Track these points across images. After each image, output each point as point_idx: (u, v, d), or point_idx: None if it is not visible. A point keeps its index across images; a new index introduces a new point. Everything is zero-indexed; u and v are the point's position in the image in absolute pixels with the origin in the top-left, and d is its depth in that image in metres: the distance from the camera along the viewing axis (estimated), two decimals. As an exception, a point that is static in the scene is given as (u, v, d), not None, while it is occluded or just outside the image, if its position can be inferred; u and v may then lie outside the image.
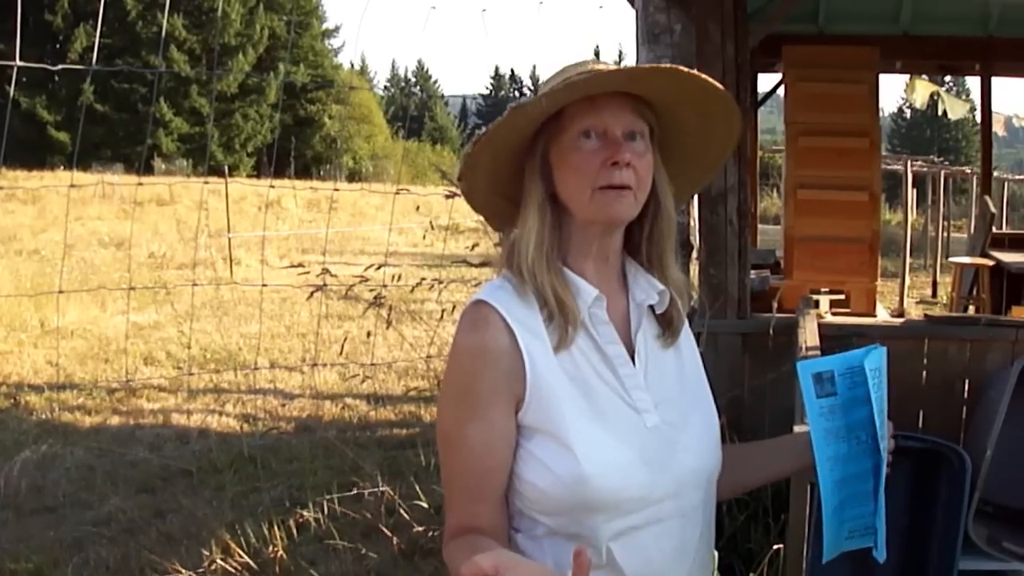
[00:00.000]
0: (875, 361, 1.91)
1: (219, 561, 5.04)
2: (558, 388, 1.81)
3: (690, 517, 1.91)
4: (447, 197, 4.99)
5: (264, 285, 7.59)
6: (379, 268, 5.54)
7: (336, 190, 10.14)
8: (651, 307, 1.97)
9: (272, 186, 10.55)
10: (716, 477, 1.99)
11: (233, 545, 5.18)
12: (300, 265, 5.91)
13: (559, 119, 1.84)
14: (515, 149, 1.88)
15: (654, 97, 1.88)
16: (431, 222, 5.84)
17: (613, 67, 1.84)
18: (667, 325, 1.99)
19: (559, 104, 1.82)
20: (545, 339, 1.82)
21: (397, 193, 6.44)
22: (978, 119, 11.71)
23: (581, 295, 1.86)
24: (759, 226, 11.36)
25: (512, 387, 1.80)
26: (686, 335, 2.05)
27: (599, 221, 1.86)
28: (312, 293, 5.69)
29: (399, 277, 5.83)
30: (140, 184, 8.45)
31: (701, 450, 1.93)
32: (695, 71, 1.85)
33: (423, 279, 5.56)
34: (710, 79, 1.88)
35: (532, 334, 1.82)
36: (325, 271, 5.48)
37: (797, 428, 3.31)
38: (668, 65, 1.84)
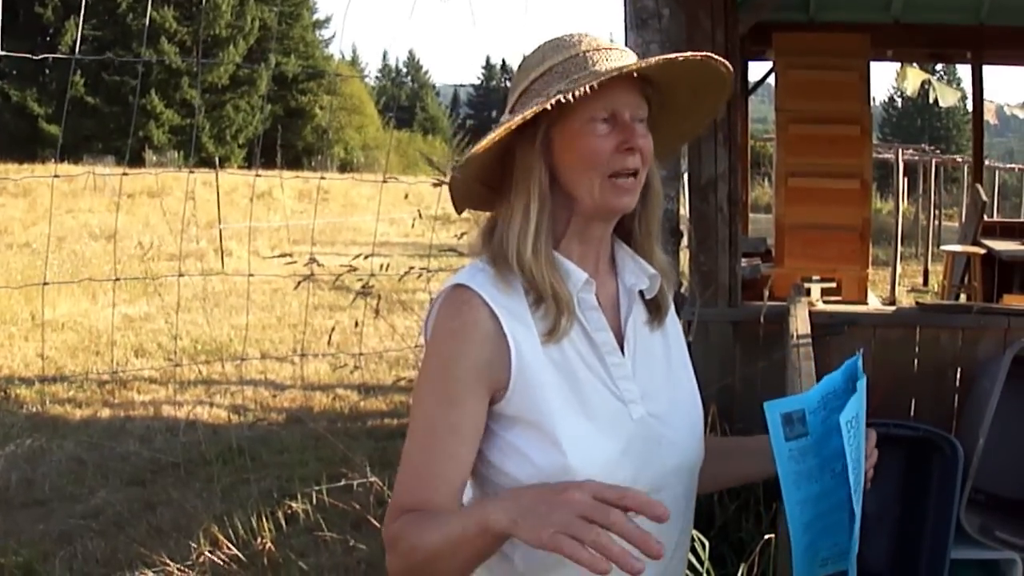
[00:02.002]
0: (852, 411, 1.76)
1: (207, 554, 5.01)
2: (544, 377, 1.74)
3: (670, 511, 1.85)
4: (435, 185, 4.95)
5: (250, 275, 7.55)
6: (366, 257, 5.51)
7: (322, 178, 10.11)
8: (640, 293, 1.92)
9: (258, 175, 10.46)
10: (698, 470, 1.95)
11: (221, 537, 5.15)
12: (287, 255, 5.88)
13: (564, 101, 1.74)
14: (510, 134, 1.80)
15: (659, 78, 1.82)
16: (419, 211, 5.79)
17: (639, 64, 1.78)
18: (656, 310, 1.94)
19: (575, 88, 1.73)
20: (531, 326, 1.76)
21: (384, 181, 6.41)
22: (969, 107, 11.67)
23: (571, 279, 1.79)
24: (750, 215, 11.32)
25: (492, 374, 1.73)
26: (672, 318, 2.00)
27: (605, 210, 1.80)
28: (299, 283, 5.66)
29: (387, 266, 5.80)
30: (125, 174, 8.31)
31: (684, 445, 1.88)
32: (709, 56, 1.80)
33: (411, 268, 5.53)
34: (722, 63, 1.83)
35: (517, 320, 1.75)
36: (312, 260, 5.44)
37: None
38: (702, 54, 1.78)
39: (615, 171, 1.76)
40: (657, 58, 1.75)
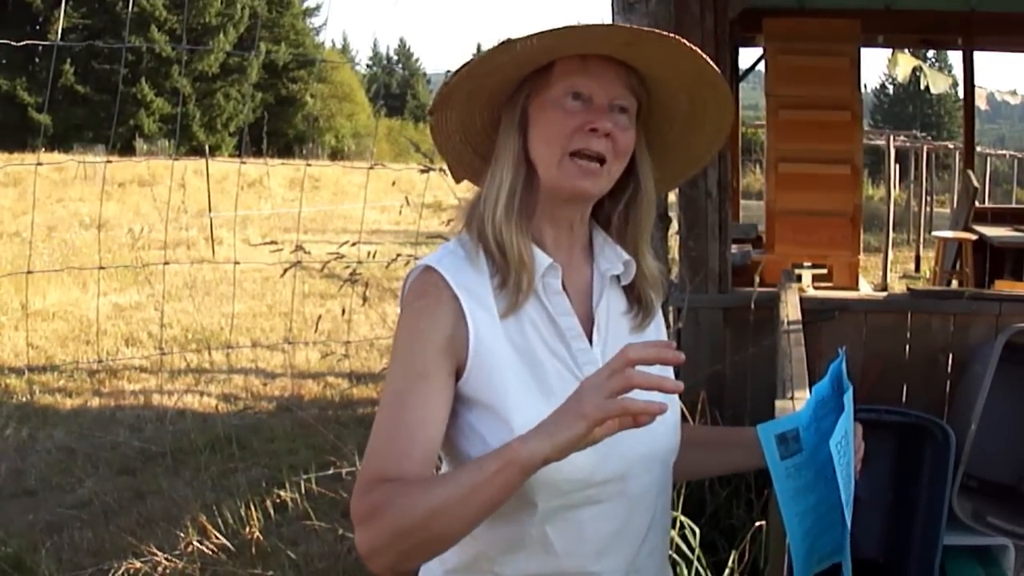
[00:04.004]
0: (841, 431, 1.73)
1: (196, 543, 5.00)
2: (502, 359, 1.74)
3: (639, 501, 1.84)
4: (422, 171, 4.93)
5: (236, 263, 7.53)
6: (353, 245, 5.50)
7: (309, 165, 10.10)
8: (618, 280, 1.90)
9: (244, 162, 10.46)
10: (671, 460, 1.92)
11: (210, 527, 5.13)
12: (273, 242, 5.86)
13: (547, 73, 1.77)
14: (494, 93, 1.82)
15: (648, 71, 1.81)
16: (407, 198, 5.76)
17: (613, 24, 1.77)
18: (637, 301, 1.92)
19: (551, 53, 1.74)
20: (492, 308, 1.76)
21: (372, 168, 6.40)
22: (960, 94, 11.68)
23: (535, 263, 1.79)
24: (741, 201, 11.32)
25: (455, 351, 1.73)
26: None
27: (564, 190, 1.79)
28: (285, 271, 5.64)
29: (374, 254, 5.78)
30: (109, 162, 8.31)
31: (654, 433, 1.76)
32: (697, 49, 1.76)
33: (398, 255, 5.51)
34: (711, 63, 1.80)
35: (478, 302, 1.75)
36: (299, 248, 5.42)
37: (779, 403, 3.26)
38: (673, 35, 1.73)
39: (576, 150, 1.75)
40: (619, 25, 1.76)
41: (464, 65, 1.75)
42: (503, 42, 1.70)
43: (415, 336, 1.74)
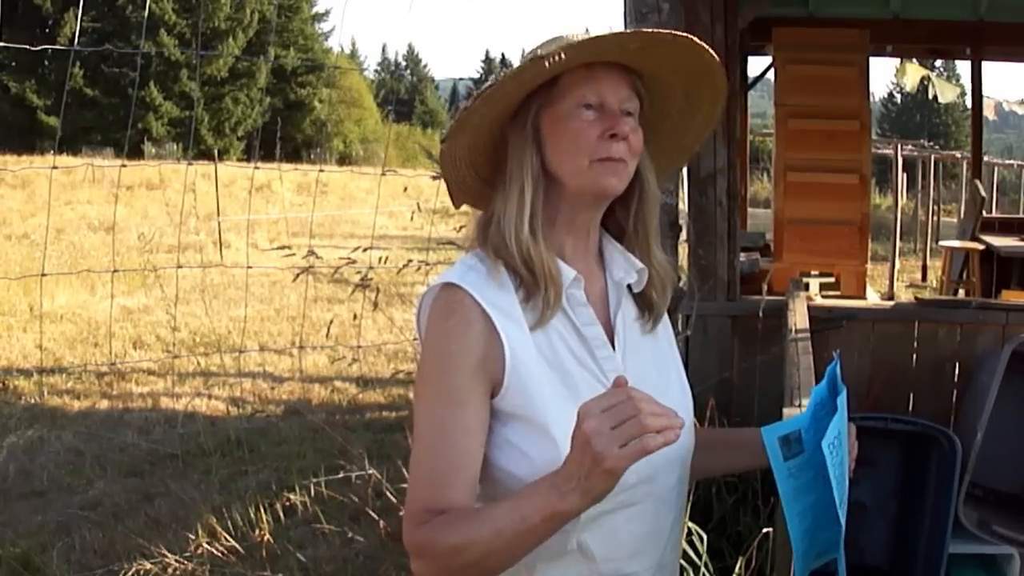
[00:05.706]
0: (834, 431, 1.77)
1: (205, 545, 5.01)
2: (536, 373, 1.75)
3: (664, 500, 1.88)
4: (434, 178, 4.95)
5: (249, 267, 7.56)
6: (365, 250, 5.51)
7: (321, 171, 10.12)
8: (629, 287, 1.92)
9: (257, 167, 10.47)
10: (690, 459, 1.95)
11: (219, 529, 5.15)
12: (285, 247, 5.87)
13: (554, 87, 1.78)
14: (502, 112, 1.82)
15: (651, 73, 1.84)
16: (418, 203, 5.78)
17: (623, 32, 1.78)
18: (647, 307, 1.95)
19: (561, 65, 1.74)
20: (522, 322, 1.76)
21: (383, 174, 6.42)
22: (968, 104, 11.67)
23: (560, 276, 1.80)
24: (749, 210, 11.33)
25: (489, 371, 1.73)
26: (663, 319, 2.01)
27: (592, 193, 1.81)
28: (297, 275, 5.65)
29: (385, 259, 5.80)
30: (124, 166, 8.35)
31: None
32: (704, 45, 1.79)
33: (410, 261, 5.52)
34: (716, 57, 1.83)
35: (508, 317, 1.75)
36: (311, 253, 5.44)
37: (787, 411, 3.29)
38: (686, 35, 1.76)
39: (600, 157, 1.77)
40: (636, 30, 1.77)
41: (484, 89, 1.75)
42: (530, 59, 1.72)
43: (447, 358, 1.74)
